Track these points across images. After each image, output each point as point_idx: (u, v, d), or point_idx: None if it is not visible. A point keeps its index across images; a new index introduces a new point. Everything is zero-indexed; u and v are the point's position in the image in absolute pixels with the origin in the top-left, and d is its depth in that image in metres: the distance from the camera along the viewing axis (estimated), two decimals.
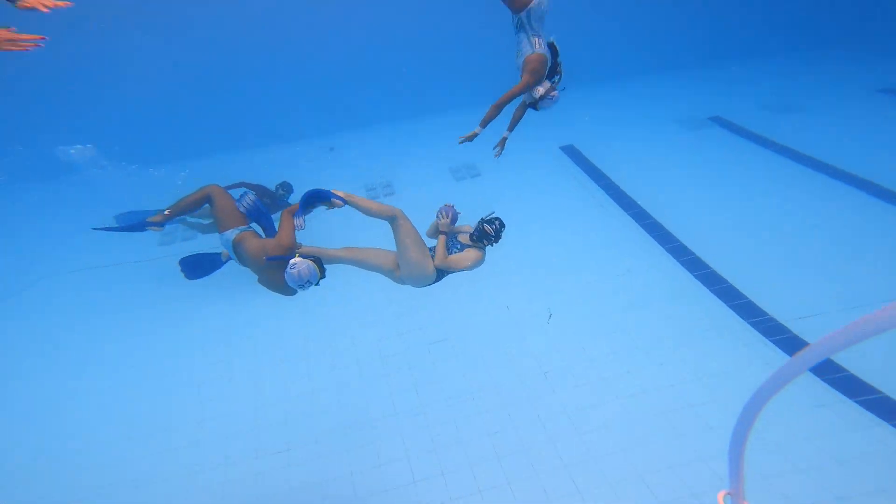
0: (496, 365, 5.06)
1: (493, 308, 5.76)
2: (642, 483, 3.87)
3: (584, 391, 4.65)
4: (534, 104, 4.06)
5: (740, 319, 5.17)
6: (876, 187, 6.91)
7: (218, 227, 3.62)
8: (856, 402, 4.19)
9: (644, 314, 5.40)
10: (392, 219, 3.50)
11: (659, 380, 4.66)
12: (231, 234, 3.51)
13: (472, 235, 3.67)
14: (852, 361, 4.44)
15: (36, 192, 9.26)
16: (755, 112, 9.79)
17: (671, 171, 8.20)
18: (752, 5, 11.57)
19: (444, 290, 3.96)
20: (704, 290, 5.61)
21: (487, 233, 3.59)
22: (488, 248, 3.71)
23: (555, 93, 3.97)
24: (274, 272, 3.37)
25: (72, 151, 8.03)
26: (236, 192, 5.77)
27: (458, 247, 3.73)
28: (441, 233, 3.65)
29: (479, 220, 3.68)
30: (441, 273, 3.68)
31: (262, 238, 3.55)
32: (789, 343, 4.77)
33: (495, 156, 4.36)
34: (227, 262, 3.99)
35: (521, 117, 4.33)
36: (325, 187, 3.47)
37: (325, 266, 3.41)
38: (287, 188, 6.76)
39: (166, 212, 3.58)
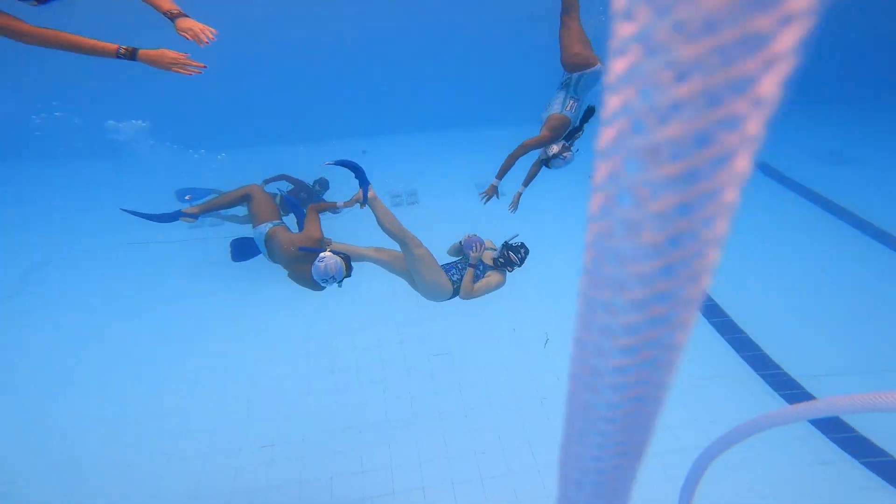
0: (493, 385, 4.98)
1: (499, 328, 5.69)
2: None
3: None
4: (547, 161, 4.05)
5: (750, 370, 4.97)
6: None
7: (252, 221, 3.78)
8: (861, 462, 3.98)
9: None
10: (404, 244, 3.48)
11: None
12: (264, 227, 3.66)
13: (496, 260, 3.71)
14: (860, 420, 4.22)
15: (82, 164, 9.49)
16: (803, 159, 9.36)
17: None
18: (807, 47, 11.22)
19: (454, 304, 3.96)
20: (718, 338, 5.41)
21: (512, 260, 3.66)
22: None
23: (568, 153, 3.94)
24: (303, 265, 3.47)
25: (123, 126, 8.14)
26: (275, 186, 6.00)
27: (481, 267, 3.78)
28: (470, 265, 3.69)
29: (504, 243, 3.74)
30: (457, 290, 3.72)
31: (293, 232, 3.68)
32: (799, 399, 4.55)
33: (510, 211, 4.36)
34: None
35: (535, 174, 4.34)
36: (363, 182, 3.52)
37: (353, 265, 3.47)
38: (324, 185, 6.87)
39: (203, 205, 3.76)
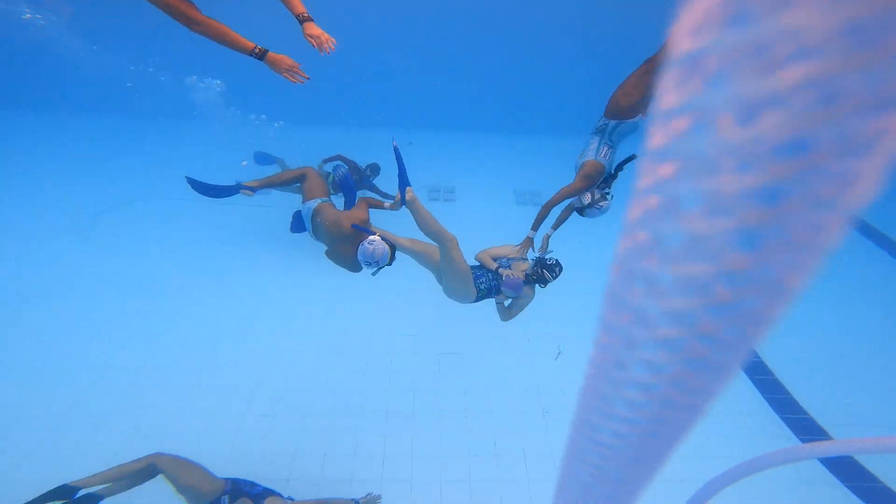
0: (498, 390, 4.95)
1: (513, 335, 5.63)
2: None
3: None
4: (581, 210, 3.95)
5: (773, 412, 4.83)
6: None
7: (303, 196, 3.89)
8: None
9: None
10: (442, 243, 3.46)
11: None
12: (313, 203, 3.76)
13: (528, 276, 3.71)
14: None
15: (163, 122, 9.63)
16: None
17: None
18: None
19: (472, 306, 3.96)
20: (741, 375, 5.26)
21: (545, 278, 3.66)
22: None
23: (604, 202, 3.83)
24: (347, 245, 3.54)
25: (202, 84, 8.12)
26: (331, 165, 6.22)
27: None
28: (497, 300, 3.89)
29: (538, 259, 3.73)
30: (482, 296, 3.76)
31: (339, 210, 3.77)
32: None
33: (538, 254, 4.20)
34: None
35: (566, 218, 4.24)
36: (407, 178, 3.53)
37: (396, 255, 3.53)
38: (375, 170, 6.93)
39: (263, 181, 3.89)
